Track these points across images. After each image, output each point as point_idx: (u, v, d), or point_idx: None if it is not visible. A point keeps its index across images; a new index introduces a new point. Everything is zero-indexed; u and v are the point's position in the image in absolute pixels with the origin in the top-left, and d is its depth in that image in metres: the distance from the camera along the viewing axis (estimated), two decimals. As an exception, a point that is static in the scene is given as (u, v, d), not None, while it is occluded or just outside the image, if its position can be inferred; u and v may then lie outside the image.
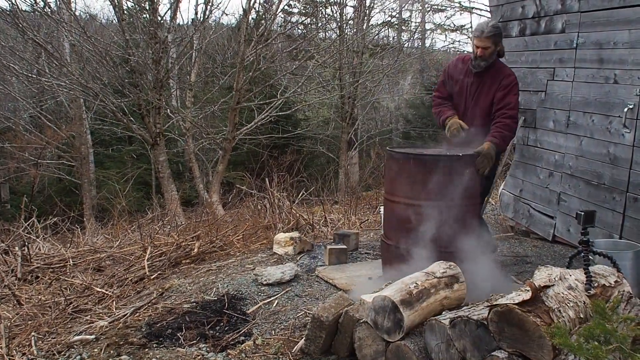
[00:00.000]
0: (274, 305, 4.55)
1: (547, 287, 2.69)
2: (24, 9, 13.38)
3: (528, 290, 2.63)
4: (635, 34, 4.94)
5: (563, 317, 2.61)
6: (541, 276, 2.78)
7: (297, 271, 5.17)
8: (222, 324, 4.27)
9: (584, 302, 2.73)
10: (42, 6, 13.90)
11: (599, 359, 2.13)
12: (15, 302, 5.56)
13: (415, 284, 3.30)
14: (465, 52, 5.46)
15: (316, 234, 7.53)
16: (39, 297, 5.75)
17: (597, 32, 5.40)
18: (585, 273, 2.86)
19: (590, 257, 3.09)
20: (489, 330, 2.75)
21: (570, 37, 5.76)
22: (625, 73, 5.08)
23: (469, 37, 23.70)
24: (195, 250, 6.50)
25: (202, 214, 10.17)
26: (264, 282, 4.92)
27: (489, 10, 7.29)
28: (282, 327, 4.16)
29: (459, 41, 24.62)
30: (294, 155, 17.67)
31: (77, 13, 14.63)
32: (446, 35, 24.61)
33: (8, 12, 12.22)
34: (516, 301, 2.60)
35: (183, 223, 9.39)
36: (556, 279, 2.75)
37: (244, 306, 4.55)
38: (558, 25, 5.94)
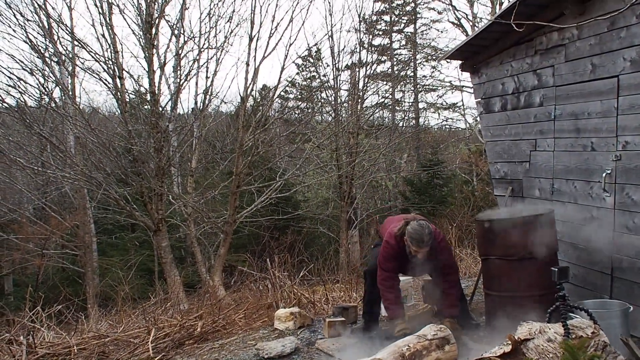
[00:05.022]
0: (276, 378, 4.65)
1: (528, 340, 2.85)
2: (30, 105, 13.97)
3: (509, 344, 2.79)
4: (606, 103, 5.27)
5: (543, 367, 2.76)
6: (522, 330, 2.95)
7: (298, 344, 5.29)
8: (225, 398, 4.35)
9: (563, 354, 2.88)
10: (47, 102, 14.50)
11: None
12: (21, 389, 5.62)
13: (407, 347, 3.45)
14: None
15: (317, 311, 7.63)
16: (45, 383, 5.81)
17: (572, 104, 5.74)
18: (563, 326, 3.02)
19: (571, 313, 3.25)
20: (477, 385, 2.89)
21: (548, 109, 6.10)
22: (601, 140, 5.38)
23: (461, 114, 24.41)
24: (199, 329, 6.60)
25: (204, 296, 10.26)
26: (265, 356, 5.03)
27: (472, 88, 7.69)
28: (284, 398, 4.25)
29: (452, 118, 25.27)
30: (294, 236, 17.85)
31: (81, 107, 15.21)
32: (439, 113, 25.27)
33: (15, 109, 12.75)
34: (498, 354, 2.76)
35: (186, 307, 9.47)
36: (536, 332, 2.92)
37: (246, 380, 4.65)
38: (536, 100, 6.30)
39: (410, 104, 25.01)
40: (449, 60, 16.65)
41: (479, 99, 7.37)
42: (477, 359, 2.84)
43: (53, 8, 20.50)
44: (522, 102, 6.54)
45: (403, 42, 27.01)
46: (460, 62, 7.50)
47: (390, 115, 24.58)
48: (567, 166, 5.85)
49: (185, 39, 14.51)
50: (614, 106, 5.15)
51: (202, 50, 14.43)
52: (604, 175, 5.27)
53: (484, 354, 2.91)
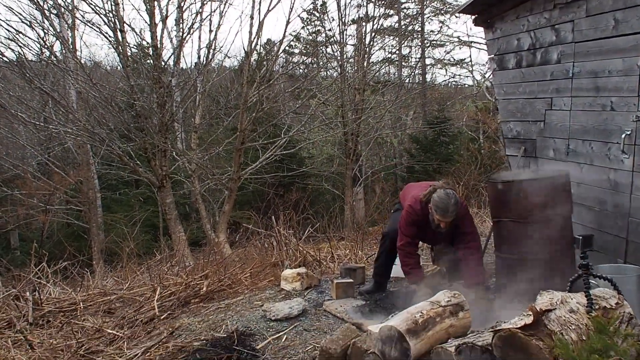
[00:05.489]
0: (283, 340, 4.59)
1: (549, 310, 2.74)
2: (30, 59, 13.72)
3: (530, 315, 2.68)
4: (628, 61, 5.06)
5: (565, 339, 2.65)
6: (543, 300, 2.84)
7: (305, 306, 5.22)
8: (232, 360, 4.31)
9: (586, 325, 2.78)
10: (47, 55, 14.24)
11: (600, 371, 2.17)
12: (27, 346, 5.60)
13: (420, 313, 3.36)
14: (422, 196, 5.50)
15: (323, 270, 7.58)
16: (51, 341, 5.79)
17: (592, 62, 5.52)
18: (586, 296, 2.91)
19: (590, 280, 3.14)
20: (494, 355, 2.79)
21: (565, 67, 5.89)
22: (621, 100, 5.18)
23: (469, 70, 24.01)
24: (204, 289, 6.56)
25: (209, 253, 10.22)
26: (273, 318, 4.97)
27: (485, 43, 7.44)
28: (292, 361, 4.20)
29: (459, 75, 24.86)
30: (299, 193, 17.79)
31: (82, 61, 14.95)
32: (446, 70, 24.82)
33: (15, 63, 12.51)
34: (518, 325, 2.65)
35: (191, 264, 9.44)
36: (558, 302, 2.81)
37: (253, 342, 4.60)
38: (553, 56, 6.07)
39: (417, 60, 24.57)
40: (458, 15, 16.23)
41: (492, 55, 7.14)
42: (496, 328, 2.73)
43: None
44: (538, 59, 6.32)
45: (411, -5, 26.35)
46: (472, 16, 7.24)
47: (396, 71, 24.20)
48: (584, 126, 5.67)
49: (188, -10, 14.15)
50: (637, 64, 4.93)
51: (204, 2, 14.10)
52: (623, 136, 5.09)
53: (503, 324, 2.81)
